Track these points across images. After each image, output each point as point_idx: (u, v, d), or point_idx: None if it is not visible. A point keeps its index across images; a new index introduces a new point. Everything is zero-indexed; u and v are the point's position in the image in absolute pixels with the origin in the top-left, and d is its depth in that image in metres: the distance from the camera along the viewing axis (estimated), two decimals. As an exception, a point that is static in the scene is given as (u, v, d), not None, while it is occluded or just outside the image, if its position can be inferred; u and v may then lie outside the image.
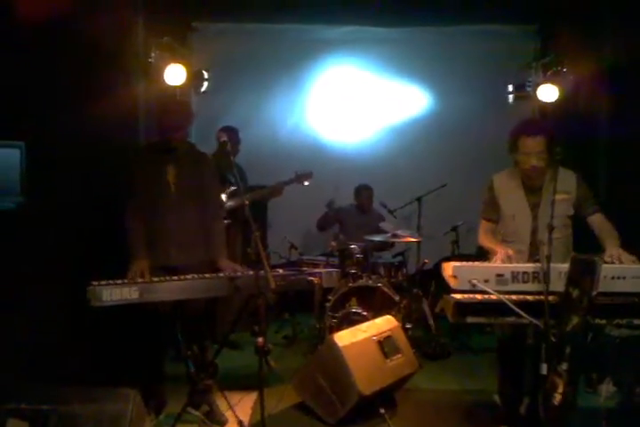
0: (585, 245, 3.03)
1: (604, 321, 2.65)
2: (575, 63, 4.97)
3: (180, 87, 4.95)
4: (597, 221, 3.01)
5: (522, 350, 2.89)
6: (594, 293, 2.43)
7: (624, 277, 2.60)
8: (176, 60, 4.71)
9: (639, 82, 4.25)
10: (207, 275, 3.03)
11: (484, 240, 3.12)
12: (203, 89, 5.29)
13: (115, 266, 3.13)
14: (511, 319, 2.60)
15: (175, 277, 2.96)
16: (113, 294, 2.80)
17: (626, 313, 2.62)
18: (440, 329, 4.78)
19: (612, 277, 2.60)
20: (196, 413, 3.23)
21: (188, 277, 2.99)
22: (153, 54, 4.60)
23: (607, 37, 4.81)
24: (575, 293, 2.48)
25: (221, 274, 3.06)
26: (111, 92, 3.78)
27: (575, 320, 2.46)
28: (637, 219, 4.18)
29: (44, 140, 3.18)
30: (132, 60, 4.41)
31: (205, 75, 5.22)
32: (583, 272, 2.47)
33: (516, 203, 3.04)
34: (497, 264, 2.74)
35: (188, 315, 3.17)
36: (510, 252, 2.82)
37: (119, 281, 2.86)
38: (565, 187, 2.95)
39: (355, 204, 5.59)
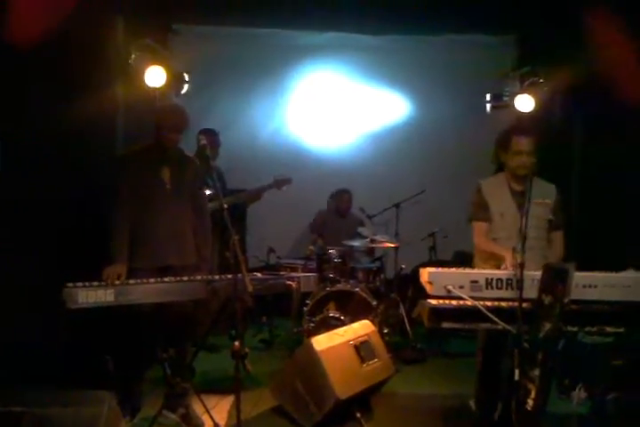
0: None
1: (575, 328, 2.70)
2: (551, 74, 5.06)
3: (160, 89, 4.93)
4: (557, 236, 3.16)
5: (501, 356, 2.93)
6: (565, 300, 2.48)
7: (595, 286, 2.66)
8: (156, 62, 4.68)
9: (613, 94, 4.34)
10: (184, 278, 3.03)
11: (484, 244, 3.15)
12: (183, 91, 5.26)
13: (89, 267, 3.10)
14: (485, 325, 2.63)
15: (152, 280, 2.95)
16: (89, 296, 2.78)
17: (597, 321, 2.67)
18: (417, 334, 4.83)
19: (584, 286, 2.65)
20: (173, 416, 3.21)
21: (165, 279, 2.99)
22: (133, 56, 4.57)
23: (582, 48, 4.91)
24: (548, 300, 2.52)
25: (199, 277, 3.06)
26: (90, 93, 3.75)
27: (548, 327, 2.50)
28: (609, 228, 4.29)
29: (20, 140, 3.15)
30: (111, 60, 4.38)
31: (186, 77, 5.19)
32: (555, 280, 2.51)
33: (503, 203, 3.11)
34: (507, 270, 2.76)
35: (171, 317, 3.16)
36: (513, 261, 2.79)
37: (95, 283, 2.84)
38: (546, 194, 3.11)
39: (333, 207, 5.62)
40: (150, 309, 3.03)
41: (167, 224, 3.23)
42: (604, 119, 4.56)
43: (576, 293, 2.57)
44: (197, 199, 3.40)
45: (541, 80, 5.15)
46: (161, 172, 3.26)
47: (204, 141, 3.13)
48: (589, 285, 2.65)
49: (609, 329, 2.65)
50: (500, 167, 3.29)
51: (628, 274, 2.71)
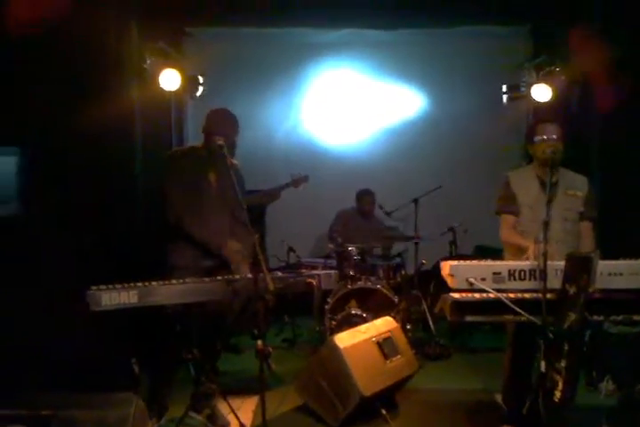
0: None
1: (601, 318, 2.66)
2: (568, 63, 4.99)
3: (176, 92, 4.97)
4: (587, 228, 3.09)
5: (531, 351, 2.89)
6: (590, 289, 2.45)
7: (621, 274, 2.61)
8: (170, 65, 4.73)
9: (631, 82, 4.28)
10: (206, 278, 3.04)
11: (510, 236, 3.10)
12: (198, 93, 5.30)
13: (112, 272, 3.14)
14: (509, 317, 2.60)
15: (174, 281, 2.96)
16: (112, 298, 2.79)
17: (623, 309, 2.62)
18: (440, 330, 4.79)
19: (609, 274, 2.61)
20: (199, 417, 3.22)
21: (187, 280, 3.00)
22: (148, 60, 4.61)
23: (599, 37, 4.84)
24: (572, 290, 2.49)
25: (219, 277, 3.07)
26: (106, 97, 3.81)
27: (572, 317, 2.47)
28: (630, 218, 4.22)
29: (41, 147, 3.20)
30: (126, 65, 4.43)
31: (200, 79, 5.23)
32: (579, 269, 2.48)
33: (532, 195, 3.06)
34: (529, 261, 2.73)
35: (195, 318, 3.18)
36: (536, 251, 2.76)
37: (118, 286, 2.86)
38: (578, 186, 3.09)
39: (356, 208, 5.58)
40: (174, 309, 3.06)
41: (213, 227, 3.29)
42: (623, 107, 4.48)
43: (601, 281, 2.52)
44: (241, 205, 3.32)
45: (558, 69, 5.09)
46: (208, 175, 3.35)
47: (220, 142, 3.16)
48: (614, 273, 2.60)
49: (636, 318, 2.60)
50: (531, 160, 3.25)
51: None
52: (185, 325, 3.16)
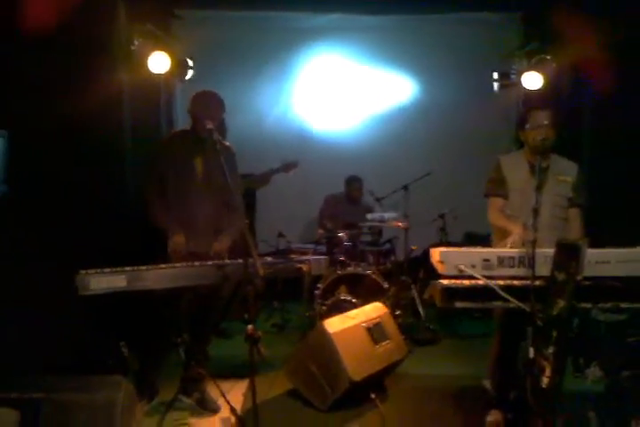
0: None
1: (589, 305, 2.69)
2: (559, 51, 4.98)
3: (165, 75, 4.90)
4: (575, 214, 3.11)
5: (518, 336, 2.92)
6: (579, 277, 2.46)
7: (608, 262, 2.63)
8: (159, 48, 4.65)
9: (623, 70, 4.28)
10: (196, 263, 3.03)
11: (497, 219, 3.11)
12: (187, 77, 5.23)
13: (100, 255, 3.11)
14: (498, 304, 2.61)
15: (163, 265, 2.95)
16: (100, 282, 2.78)
17: (611, 297, 2.65)
18: (429, 315, 4.83)
19: (597, 262, 2.63)
20: (188, 400, 3.24)
21: (177, 264, 2.98)
22: (136, 42, 4.54)
23: (590, 25, 4.83)
24: (561, 277, 2.50)
25: (209, 262, 3.06)
26: (94, 80, 3.74)
27: (561, 304, 2.48)
28: (619, 204, 4.25)
29: (29, 129, 3.14)
30: (114, 47, 4.35)
31: (190, 63, 5.16)
32: (568, 257, 2.49)
33: (522, 179, 3.07)
34: (506, 248, 2.75)
35: (185, 302, 3.18)
36: (524, 235, 2.79)
37: (107, 269, 2.84)
38: (568, 171, 3.10)
39: (345, 193, 5.60)
40: (163, 294, 3.04)
41: (198, 213, 3.26)
42: (613, 95, 4.49)
43: (589, 269, 2.54)
44: (232, 190, 3.24)
45: (549, 57, 5.08)
46: (194, 160, 3.27)
47: (209, 126, 3.12)
48: (602, 261, 2.62)
49: (623, 305, 2.63)
50: (522, 146, 3.25)
51: (640, 249, 2.68)
52: (174, 309, 3.15)
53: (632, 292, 2.61)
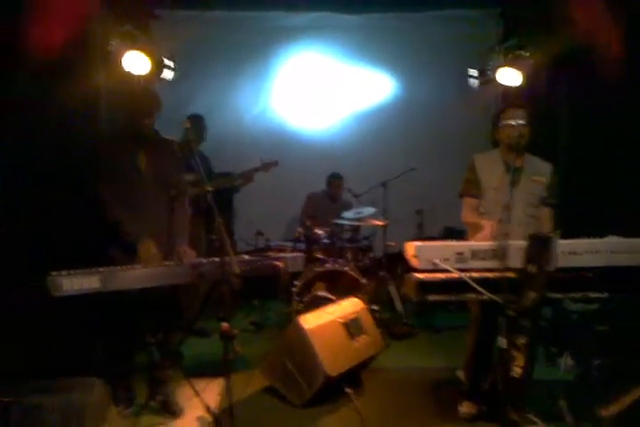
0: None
1: (560, 295, 2.71)
2: (537, 47, 5.01)
3: (144, 76, 4.88)
4: (547, 213, 3.14)
5: (493, 327, 2.94)
6: (550, 268, 2.49)
7: (579, 253, 2.65)
8: (137, 48, 4.63)
9: (598, 67, 4.31)
10: (171, 262, 3.01)
11: (469, 216, 3.15)
12: (167, 77, 5.21)
13: (71, 256, 3.08)
14: (471, 296, 2.62)
15: (137, 266, 2.93)
16: (73, 283, 2.75)
17: (581, 287, 2.67)
18: (407, 310, 4.86)
19: (569, 253, 2.65)
20: (152, 403, 3.20)
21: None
22: (113, 42, 4.51)
23: (567, 21, 4.86)
24: (533, 269, 2.52)
25: (186, 261, 3.04)
26: (70, 80, 3.71)
27: (533, 295, 2.51)
28: (595, 200, 4.29)
29: (3, 128, 3.11)
30: (92, 48, 4.33)
31: (169, 63, 5.15)
32: (540, 248, 2.51)
33: (497, 177, 3.09)
34: (479, 242, 2.76)
35: (158, 302, 3.15)
36: (496, 227, 2.83)
37: (80, 271, 2.82)
38: (542, 172, 3.12)
39: (326, 191, 5.62)
40: (137, 294, 3.02)
41: (144, 213, 3.18)
42: (590, 92, 4.53)
43: (560, 260, 2.56)
44: (173, 183, 3.31)
45: (526, 54, 5.11)
46: (136, 158, 3.20)
47: (186, 125, 3.10)
48: (573, 252, 2.64)
49: (593, 295, 2.65)
50: (497, 144, 3.27)
51: (610, 240, 2.71)
52: (148, 309, 3.13)
53: (601, 282, 2.64)
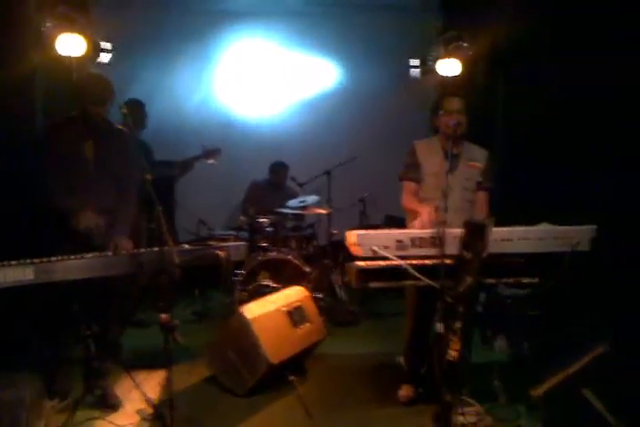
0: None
1: (494, 280, 2.81)
2: (475, 38, 5.11)
3: (80, 59, 4.70)
4: (482, 197, 3.24)
5: (430, 312, 3.01)
6: (484, 254, 2.57)
7: (512, 240, 2.75)
8: (72, 30, 4.45)
9: (536, 59, 4.45)
10: (108, 253, 2.94)
11: (409, 202, 3.21)
12: (104, 61, 5.04)
13: (7, 248, 2.96)
14: (411, 282, 2.67)
15: (73, 256, 2.85)
16: (6, 275, 2.64)
17: (514, 273, 2.77)
18: (350, 297, 4.92)
19: (502, 240, 2.74)
20: (89, 396, 3.12)
21: (88, 255, 2.88)
22: (48, 24, 4.33)
23: (504, 13, 4.98)
24: (468, 255, 2.59)
25: (123, 251, 2.97)
26: (4, 63, 3.56)
27: (468, 281, 2.58)
28: (529, 188, 4.44)
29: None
30: (25, 29, 4.14)
31: (107, 46, 4.97)
32: (475, 235, 2.58)
33: (436, 164, 3.16)
34: (417, 229, 2.82)
35: (94, 293, 3.07)
36: (433, 215, 2.89)
37: (13, 262, 2.71)
38: (479, 158, 3.22)
39: (269, 180, 5.58)
40: (72, 285, 2.94)
41: (91, 199, 3.11)
42: (525, 82, 4.67)
43: (494, 247, 2.64)
44: (123, 174, 3.25)
45: (465, 45, 5.21)
46: (83, 147, 3.12)
47: (124, 110, 3.00)
48: (506, 238, 2.73)
49: (524, 280, 2.76)
50: (436, 132, 3.33)
51: (542, 227, 2.82)
52: (83, 301, 3.05)
53: (532, 267, 2.75)
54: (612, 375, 2.81)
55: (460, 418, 2.83)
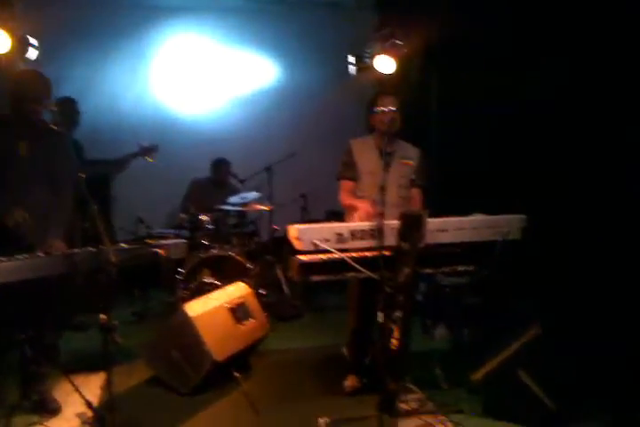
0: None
1: (431, 270, 2.89)
2: (409, 35, 5.21)
3: (8, 56, 4.50)
4: (416, 193, 3.33)
5: (372, 303, 3.06)
6: (421, 245, 2.64)
7: (447, 230, 2.84)
8: (-4, 25, 4.25)
9: (466, 56, 4.58)
10: (40, 253, 2.84)
11: (346, 199, 3.26)
12: (31, 57, 4.84)
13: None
14: (352, 275, 2.72)
15: (3, 258, 2.74)
16: None
17: (450, 262, 2.87)
18: (294, 292, 4.94)
19: (438, 230, 2.82)
20: (25, 402, 3.03)
21: (19, 256, 2.78)
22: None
23: (437, 10, 5.10)
24: (405, 246, 2.66)
25: (55, 252, 2.88)
26: None
27: (407, 271, 2.64)
28: (462, 181, 4.58)
29: None
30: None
31: (34, 41, 4.78)
32: (411, 227, 2.65)
33: (372, 162, 3.21)
34: (356, 222, 2.88)
35: (21, 296, 2.95)
36: (370, 208, 2.95)
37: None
38: (411, 156, 3.30)
39: (211, 177, 5.52)
40: (3, 288, 2.82)
41: (25, 200, 3.00)
42: (458, 81, 4.79)
43: (430, 237, 2.72)
44: (60, 174, 3.14)
45: (400, 42, 5.30)
46: (17, 147, 3.00)
47: (52, 108, 2.95)
48: (442, 229, 2.82)
49: (460, 268, 2.86)
50: (372, 130, 3.38)
51: (475, 217, 2.92)
52: (15, 304, 2.93)
53: (467, 256, 2.85)
54: (543, 357, 2.94)
55: (404, 405, 2.91)
